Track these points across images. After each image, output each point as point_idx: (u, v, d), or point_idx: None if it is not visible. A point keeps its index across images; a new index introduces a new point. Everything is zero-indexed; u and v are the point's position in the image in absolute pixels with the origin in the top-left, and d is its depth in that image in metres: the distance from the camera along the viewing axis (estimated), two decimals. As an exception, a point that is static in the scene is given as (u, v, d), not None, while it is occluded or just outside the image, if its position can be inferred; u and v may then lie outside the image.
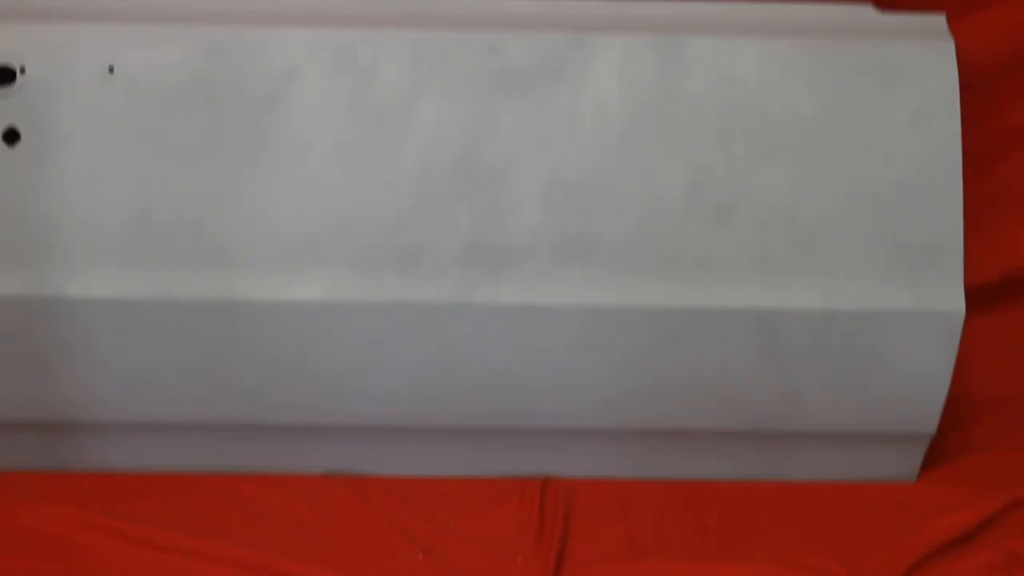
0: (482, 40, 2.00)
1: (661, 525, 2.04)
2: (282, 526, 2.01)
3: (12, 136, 1.95)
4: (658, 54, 2.00)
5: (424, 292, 1.98)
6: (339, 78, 1.98)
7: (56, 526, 1.98)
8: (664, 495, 2.10)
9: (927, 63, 2.01)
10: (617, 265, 1.99)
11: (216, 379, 2.02)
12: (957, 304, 2.00)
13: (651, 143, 1.98)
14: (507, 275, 1.98)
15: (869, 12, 2.09)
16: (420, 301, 1.98)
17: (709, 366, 2.03)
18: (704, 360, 2.03)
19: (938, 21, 2.07)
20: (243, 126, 1.96)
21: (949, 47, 2.02)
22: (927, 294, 2.00)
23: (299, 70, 1.97)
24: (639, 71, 1.99)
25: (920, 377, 2.04)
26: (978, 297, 2.20)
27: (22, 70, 1.95)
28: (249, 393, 2.03)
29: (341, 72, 1.98)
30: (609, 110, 1.98)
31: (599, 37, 2.01)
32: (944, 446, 2.17)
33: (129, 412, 2.04)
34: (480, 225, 1.98)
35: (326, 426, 2.07)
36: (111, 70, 1.95)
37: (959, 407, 2.21)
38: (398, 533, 2.00)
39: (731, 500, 2.09)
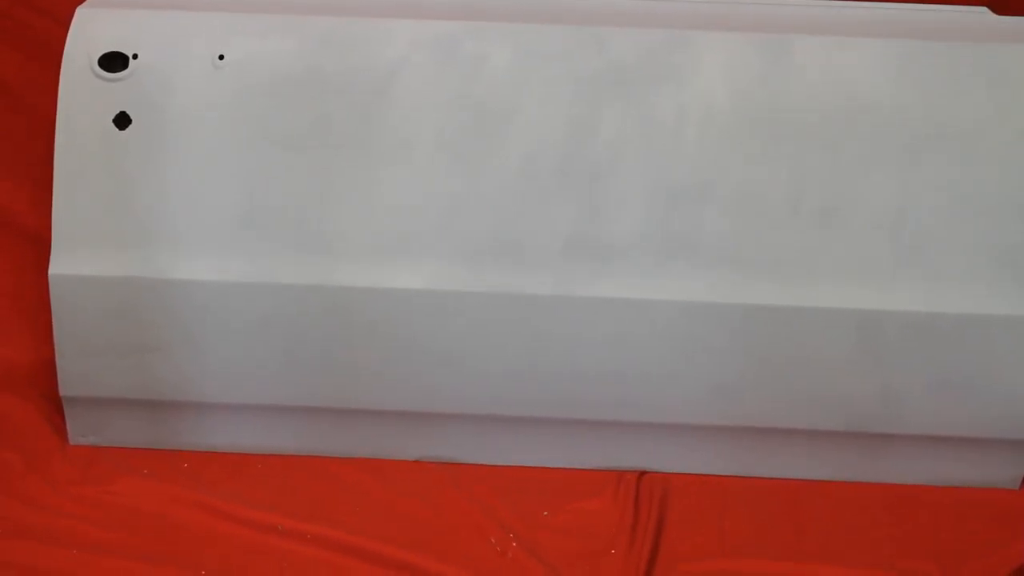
0: (588, 35, 2.00)
1: (756, 524, 2.03)
2: (376, 510, 2.03)
3: (124, 120, 1.98)
4: (765, 53, 1.98)
5: (525, 284, 1.99)
6: (445, 70, 1.99)
7: (156, 502, 2.02)
8: (760, 494, 2.09)
9: (1041, 67, 1.97)
10: (719, 263, 1.98)
11: (316, 363, 2.04)
12: (1065, 310, 1.97)
13: (756, 143, 1.97)
14: (608, 269, 1.98)
15: (984, 15, 2.05)
16: (521, 292, 1.98)
17: (809, 365, 2.01)
18: (804, 359, 2.01)
19: (1054, 24, 2.04)
20: (350, 116, 1.97)
21: (1065, 51, 1.98)
22: (1034, 299, 1.97)
23: (406, 62, 1.98)
24: (745, 70, 1.98)
25: (1025, 382, 2.02)
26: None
27: (135, 56, 1.98)
28: (348, 378, 2.05)
29: (447, 64, 1.99)
30: (714, 109, 1.97)
31: (706, 35, 2.00)
32: (1049, 453, 2.14)
33: (231, 393, 2.07)
34: (582, 220, 1.98)
35: (424, 413, 2.09)
36: (221, 58, 1.98)
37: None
38: (491, 521, 2.01)
39: (828, 501, 2.08)
